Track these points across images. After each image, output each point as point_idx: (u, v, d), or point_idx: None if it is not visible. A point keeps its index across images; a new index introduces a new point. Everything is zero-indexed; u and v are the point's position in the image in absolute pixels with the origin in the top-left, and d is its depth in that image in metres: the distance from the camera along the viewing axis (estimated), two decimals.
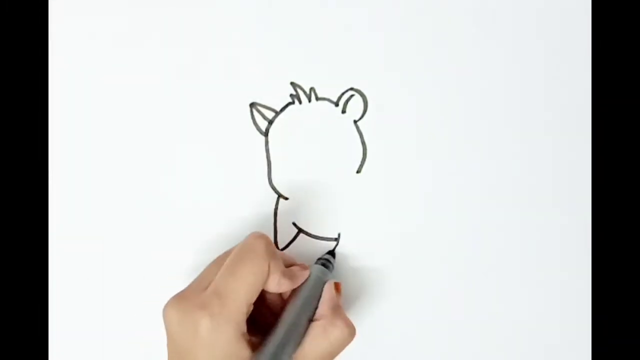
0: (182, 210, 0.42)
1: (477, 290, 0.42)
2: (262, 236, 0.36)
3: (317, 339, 0.36)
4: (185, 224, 0.42)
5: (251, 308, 0.35)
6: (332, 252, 0.41)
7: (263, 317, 0.37)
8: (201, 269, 0.39)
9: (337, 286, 0.38)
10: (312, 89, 0.41)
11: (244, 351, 0.34)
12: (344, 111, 0.41)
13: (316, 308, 0.37)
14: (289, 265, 0.38)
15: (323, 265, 0.39)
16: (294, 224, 0.42)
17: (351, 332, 0.36)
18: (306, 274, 0.38)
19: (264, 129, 0.41)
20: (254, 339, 0.35)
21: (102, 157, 0.42)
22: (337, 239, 0.42)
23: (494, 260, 0.42)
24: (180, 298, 0.35)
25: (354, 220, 0.42)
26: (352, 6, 0.41)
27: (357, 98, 0.41)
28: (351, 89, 0.41)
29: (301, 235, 0.42)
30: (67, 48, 0.41)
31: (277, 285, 0.36)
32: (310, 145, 0.41)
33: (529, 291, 0.42)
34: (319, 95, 0.41)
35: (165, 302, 0.35)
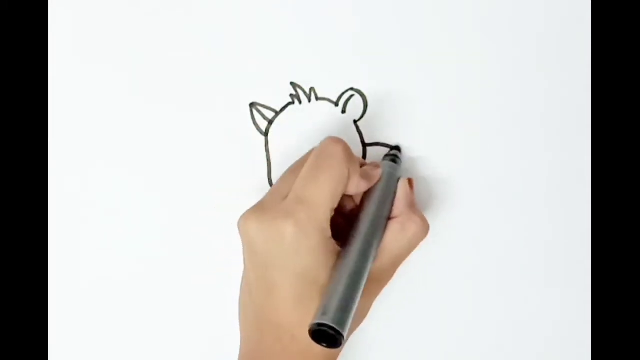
0: (182, 211, 0.42)
1: (477, 290, 0.42)
2: (339, 141, 0.36)
3: (396, 234, 0.36)
4: (185, 224, 0.42)
5: (332, 213, 0.35)
6: (397, 147, 0.41)
7: (335, 220, 0.36)
8: (201, 269, 0.39)
9: (410, 182, 0.38)
10: (312, 89, 0.41)
11: (332, 255, 0.34)
12: (344, 111, 0.41)
13: (392, 205, 0.37)
14: (360, 165, 0.38)
15: (392, 161, 0.39)
16: None
17: (426, 227, 0.37)
18: (379, 172, 0.38)
19: (264, 129, 0.41)
20: (336, 242, 0.35)
21: (102, 157, 0.41)
22: None
23: (493, 260, 0.42)
24: (259, 209, 0.35)
25: None
26: (352, 6, 0.41)
27: (357, 98, 0.41)
28: (351, 89, 0.41)
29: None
30: (67, 48, 0.41)
31: (356, 187, 0.36)
32: (310, 145, 0.41)
33: (529, 291, 0.42)
34: (319, 95, 0.41)
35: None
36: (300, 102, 0.41)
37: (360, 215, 0.36)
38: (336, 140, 0.36)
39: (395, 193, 0.38)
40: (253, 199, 0.41)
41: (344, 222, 0.38)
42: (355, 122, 0.42)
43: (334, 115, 0.41)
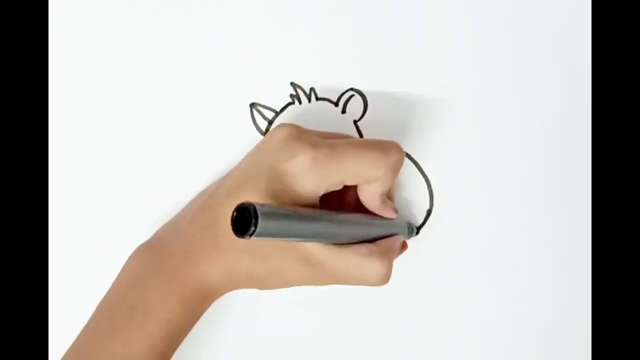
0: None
1: (477, 290, 0.42)
2: (401, 151, 0.36)
3: (358, 253, 0.35)
4: None
5: (339, 187, 0.35)
6: (418, 228, 0.42)
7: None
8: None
9: (404, 244, 0.39)
10: (312, 89, 0.41)
11: (301, 190, 0.34)
12: (344, 111, 0.41)
13: (378, 238, 0.37)
14: (389, 197, 0.38)
15: (408, 227, 0.40)
16: None
17: (386, 276, 0.35)
18: (395, 215, 0.38)
19: (264, 129, 0.41)
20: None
21: (102, 157, 0.41)
22: None
23: (494, 260, 0.42)
24: (298, 127, 0.35)
25: None
26: (352, 6, 0.41)
27: (357, 98, 0.41)
28: (351, 89, 0.41)
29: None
30: (67, 48, 0.41)
31: (371, 197, 0.36)
32: None
33: (529, 291, 0.42)
34: (319, 95, 0.41)
35: None
36: (300, 102, 0.41)
37: (354, 213, 0.37)
38: (399, 149, 0.36)
39: (387, 236, 0.38)
40: None
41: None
42: (355, 122, 0.42)
43: (334, 115, 0.41)
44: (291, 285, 0.36)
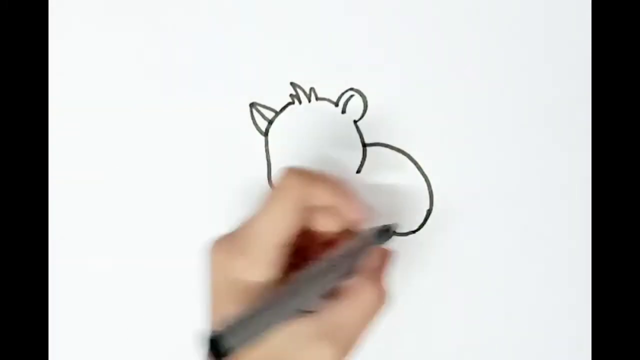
0: (182, 211, 0.42)
1: (477, 289, 0.42)
2: (293, 172, 0.34)
3: (346, 297, 0.33)
4: (185, 225, 0.42)
5: (285, 250, 0.34)
6: (388, 228, 0.38)
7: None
8: (201, 270, 0.39)
9: (385, 254, 0.36)
10: (312, 89, 0.41)
11: (265, 289, 0.33)
12: (344, 111, 0.41)
13: (355, 263, 0.34)
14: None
15: (381, 233, 0.36)
16: None
17: (381, 296, 0.33)
18: (365, 210, 0.35)
19: (264, 129, 0.41)
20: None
21: (101, 157, 0.42)
22: None
23: (493, 260, 0.42)
24: (219, 239, 0.35)
25: None
26: (352, 6, 0.41)
27: (357, 98, 0.41)
28: (351, 89, 0.41)
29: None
30: (67, 47, 0.41)
31: (330, 194, 0.34)
32: (310, 145, 0.41)
33: (529, 291, 0.42)
34: (319, 95, 0.41)
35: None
36: (300, 102, 0.41)
37: (312, 264, 0.34)
38: (290, 172, 0.34)
39: (365, 254, 0.35)
40: (253, 198, 0.41)
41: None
42: (355, 122, 0.42)
43: (334, 115, 0.41)
44: None
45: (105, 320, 0.42)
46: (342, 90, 0.41)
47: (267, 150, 0.41)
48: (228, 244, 0.34)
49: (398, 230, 0.42)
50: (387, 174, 0.42)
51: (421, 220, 0.42)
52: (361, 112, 0.41)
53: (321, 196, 0.34)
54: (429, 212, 0.42)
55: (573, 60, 0.41)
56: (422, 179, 0.42)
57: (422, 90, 0.41)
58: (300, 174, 0.34)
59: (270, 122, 0.41)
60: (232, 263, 0.33)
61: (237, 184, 0.42)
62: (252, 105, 0.41)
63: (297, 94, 0.41)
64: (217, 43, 0.41)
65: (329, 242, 0.36)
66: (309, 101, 0.41)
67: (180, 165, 0.41)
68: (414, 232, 0.42)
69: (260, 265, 0.33)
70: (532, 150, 0.41)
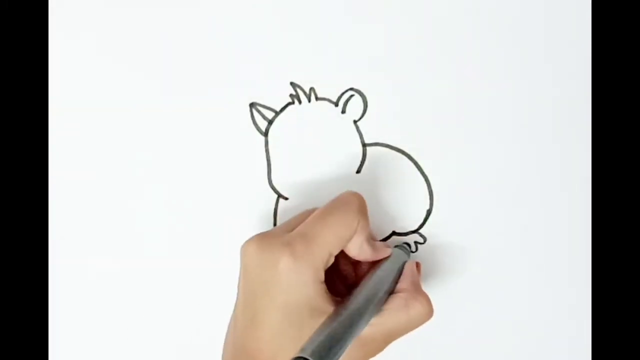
0: (182, 211, 0.42)
1: (477, 289, 0.42)
2: (357, 194, 0.37)
3: (397, 310, 0.35)
4: (185, 225, 0.42)
5: (332, 260, 0.35)
6: (408, 243, 0.41)
7: (333, 284, 0.36)
8: (201, 269, 0.39)
9: (418, 265, 0.39)
10: (312, 89, 0.41)
11: (320, 298, 0.34)
12: (343, 111, 0.41)
13: (396, 283, 0.37)
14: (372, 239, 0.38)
15: (402, 250, 0.40)
16: None
17: (430, 310, 0.35)
18: (389, 251, 0.38)
19: (263, 129, 0.41)
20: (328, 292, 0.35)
21: (101, 157, 0.41)
22: None
23: (494, 260, 0.42)
24: (263, 235, 0.35)
25: None
26: (352, 6, 0.41)
27: (357, 98, 0.41)
28: (351, 89, 0.41)
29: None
30: (67, 47, 0.41)
31: (359, 249, 0.36)
32: (310, 145, 0.41)
33: (529, 291, 0.42)
34: (319, 95, 0.41)
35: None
36: (300, 102, 0.41)
37: (362, 283, 0.36)
38: (355, 193, 0.37)
39: (400, 272, 0.38)
40: (253, 198, 0.41)
41: (340, 285, 0.38)
42: (355, 122, 0.42)
43: (333, 115, 0.41)
44: None
45: (105, 320, 0.42)
46: (342, 90, 0.41)
47: (267, 150, 0.41)
48: (274, 243, 0.34)
49: (398, 230, 0.42)
50: (387, 174, 0.42)
51: (421, 220, 0.42)
52: (361, 112, 0.41)
53: (353, 247, 0.36)
54: (429, 212, 0.42)
55: (573, 60, 0.41)
56: (422, 179, 0.42)
57: (422, 90, 0.41)
58: (362, 198, 0.37)
59: (270, 122, 0.41)
60: (280, 263, 0.33)
61: (236, 184, 0.42)
62: (252, 105, 0.41)
63: (297, 94, 0.41)
64: (217, 43, 0.41)
65: (360, 265, 0.38)
66: (309, 101, 0.41)
67: (180, 166, 0.41)
68: (414, 232, 0.42)
69: (311, 269, 0.34)
70: (532, 150, 0.41)
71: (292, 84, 0.41)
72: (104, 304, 0.42)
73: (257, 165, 0.42)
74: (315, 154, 0.41)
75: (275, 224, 0.42)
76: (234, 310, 0.36)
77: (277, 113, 0.41)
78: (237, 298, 0.36)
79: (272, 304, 0.33)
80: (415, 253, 0.42)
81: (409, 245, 0.41)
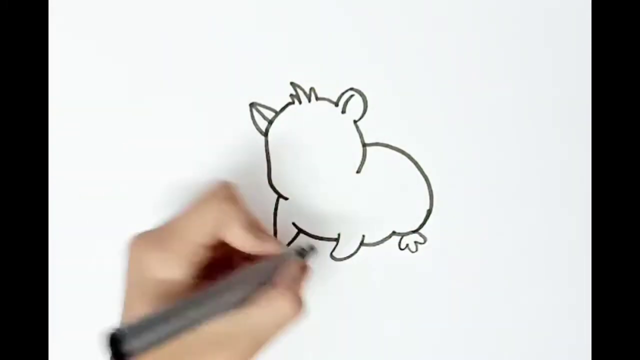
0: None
1: (477, 289, 0.42)
2: (226, 183, 0.36)
3: (259, 305, 0.33)
4: None
5: (204, 251, 0.35)
6: (308, 248, 0.39)
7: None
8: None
9: (304, 268, 0.37)
10: (312, 89, 0.41)
11: (189, 290, 0.34)
12: (343, 111, 0.41)
13: (271, 278, 0.35)
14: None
15: (298, 252, 0.38)
16: (294, 224, 0.42)
17: (297, 308, 0.34)
18: (276, 246, 0.36)
19: (264, 129, 0.41)
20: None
21: (101, 157, 0.42)
22: (337, 239, 0.42)
23: (494, 260, 0.42)
24: (144, 231, 0.36)
25: (354, 221, 0.42)
26: (352, 6, 0.41)
27: (357, 98, 0.41)
28: (351, 89, 0.41)
29: (301, 235, 0.42)
30: (67, 47, 0.41)
31: (241, 238, 0.35)
32: (310, 145, 0.42)
33: (529, 291, 0.42)
34: (319, 95, 0.41)
35: None
36: (300, 102, 0.41)
37: (233, 272, 0.34)
38: (223, 182, 0.36)
39: (283, 266, 0.36)
40: (253, 198, 0.41)
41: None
42: (355, 122, 0.42)
43: (333, 115, 0.41)
44: None
45: (105, 320, 0.42)
46: (342, 90, 0.41)
47: (267, 150, 0.42)
48: (148, 240, 0.35)
49: (398, 231, 0.42)
50: (387, 174, 0.42)
51: (421, 220, 0.42)
52: (361, 112, 0.41)
53: (232, 236, 0.35)
54: (429, 212, 0.42)
55: (573, 60, 0.41)
56: (422, 179, 0.42)
57: (422, 90, 0.41)
58: (230, 186, 0.36)
59: (270, 122, 0.41)
60: (150, 258, 0.34)
61: (237, 184, 0.41)
62: (252, 105, 0.41)
63: (297, 94, 0.41)
64: (217, 43, 0.41)
65: (250, 256, 0.36)
66: (309, 101, 0.41)
67: (181, 165, 0.41)
68: (414, 232, 0.42)
69: (178, 262, 0.34)
70: (532, 150, 0.42)
71: (292, 84, 0.41)
72: (104, 304, 0.42)
73: (257, 165, 0.42)
74: (315, 154, 0.42)
75: (275, 224, 0.42)
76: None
77: (277, 113, 0.41)
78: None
79: (144, 296, 0.34)
80: (415, 253, 0.42)
81: (306, 249, 0.38)
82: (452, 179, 0.42)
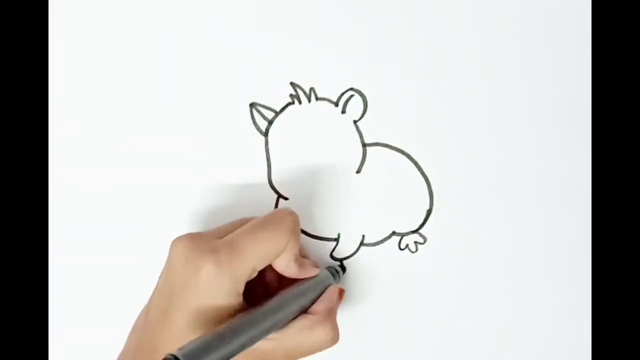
0: (183, 211, 0.42)
1: (477, 289, 0.42)
2: (293, 213, 0.37)
3: (300, 330, 0.35)
4: (186, 224, 0.42)
5: (254, 275, 0.35)
6: (342, 265, 0.42)
7: (255, 295, 0.37)
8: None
9: (341, 292, 0.39)
10: (312, 89, 0.41)
11: (233, 309, 0.34)
12: (343, 111, 0.41)
13: (313, 303, 0.37)
14: (303, 256, 0.39)
15: (331, 273, 0.40)
16: None
17: (335, 338, 0.36)
18: (316, 271, 0.38)
19: (264, 129, 0.41)
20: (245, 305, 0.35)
21: (101, 157, 0.42)
22: (337, 239, 0.42)
23: (494, 260, 0.42)
24: (194, 236, 0.35)
25: (354, 221, 0.42)
26: (352, 6, 0.41)
27: (357, 98, 0.41)
28: (351, 89, 0.41)
29: (301, 235, 0.42)
30: (67, 47, 0.41)
31: (286, 266, 0.36)
32: (310, 145, 0.41)
33: (528, 291, 0.42)
34: (319, 95, 0.41)
35: None
36: (300, 102, 0.41)
37: (276, 296, 0.36)
38: (291, 212, 0.37)
39: (320, 295, 0.37)
40: (253, 198, 0.41)
41: (262, 294, 0.37)
42: (355, 122, 0.42)
43: (333, 115, 0.41)
44: None
45: (105, 320, 0.42)
46: (342, 90, 0.41)
47: (267, 150, 0.41)
48: (204, 247, 0.34)
49: (398, 230, 0.42)
50: (387, 174, 0.42)
51: (421, 220, 0.42)
52: (361, 112, 0.41)
53: (280, 264, 0.36)
54: (429, 212, 0.42)
55: (573, 60, 0.41)
56: (422, 179, 0.42)
57: (422, 90, 0.41)
58: (296, 217, 0.37)
59: (270, 122, 0.41)
60: (205, 270, 0.34)
61: (237, 184, 0.42)
62: (252, 105, 0.41)
63: (297, 94, 0.41)
64: (217, 43, 0.41)
65: (286, 279, 0.38)
66: (309, 101, 0.41)
67: (181, 165, 0.41)
68: (414, 232, 0.42)
69: (235, 283, 0.34)
70: (532, 150, 0.41)
71: (292, 84, 0.41)
72: (104, 304, 0.42)
73: (257, 165, 0.42)
74: (315, 154, 0.41)
75: None
76: (151, 298, 0.36)
77: (277, 113, 0.41)
78: (156, 288, 0.36)
79: (186, 305, 0.34)
80: (415, 253, 0.42)
81: (338, 270, 0.41)
82: (452, 179, 0.42)
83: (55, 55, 0.41)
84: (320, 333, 0.35)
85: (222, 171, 0.41)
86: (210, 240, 0.35)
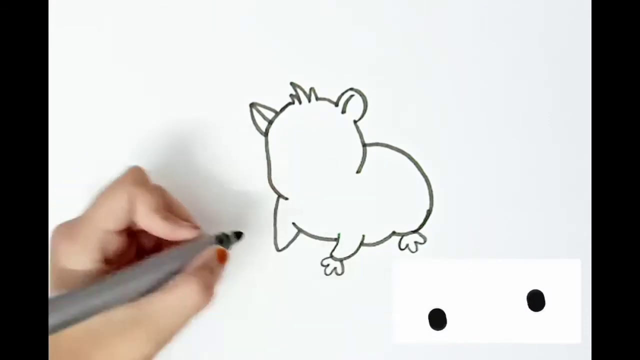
0: None
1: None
2: (134, 167, 0.36)
3: (165, 290, 0.33)
4: None
5: (111, 237, 0.34)
6: (238, 232, 0.38)
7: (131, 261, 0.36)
8: None
9: (220, 253, 0.36)
10: (312, 89, 0.41)
11: (95, 277, 0.34)
12: (343, 111, 0.41)
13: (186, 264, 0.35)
14: (184, 219, 0.36)
15: (219, 239, 0.37)
16: (294, 224, 0.42)
17: (204, 298, 0.33)
18: (193, 232, 0.35)
19: (264, 129, 0.41)
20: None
21: (101, 157, 0.42)
22: (336, 239, 0.42)
23: (493, 260, 0.42)
24: (61, 223, 0.36)
25: (354, 221, 0.42)
26: (352, 6, 0.41)
27: (357, 98, 0.41)
28: (351, 89, 0.41)
29: (301, 235, 0.42)
30: (67, 46, 0.41)
31: (147, 219, 0.34)
32: (310, 145, 0.42)
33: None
34: (319, 95, 0.41)
35: None
36: (300, 102, 0.41)
37: (147, 258, 0.34)
38: (132, 167, 0.36)
39: (199, 253, 0.35)
40: (253, 198, 0.41)
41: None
42: (355, 122, 0.42)
43: (333, 115, 0.41)
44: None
45: None
46: (342, 90, 0.41)
47: (267, 150, 0.42)
48: (62, 231, 0.35)
49: (398, 231, 0.42)
50: (387, 174, 0.42)
51: (421, 220, 0.42)
52: (361, 112, 0.41)
53: (141, 218, 0.35)
54: (429, 212, 0.42)
55: (573, 60, 0.41)
56: (422, 179, 0.42)
57: (422, 91, 0.41)
58: (138, 170, 0.36)
59: (270, 122, 0.41)
60: (59, 249, 0.34)
61: (237, 184, 0.42)
62: (252, 105, 0.41)
63: (297, 94, 0.41)
64: (217, 43, 0.41)
65: (174, 243, 0.36)
66: (309, 101, 0.41)
67: (181, 165, 0.41)
68: (414, 232, 0.42)
69: (84, 252, 0.34)
70: (532, 150, 0.42)
71: (292, 84, 0.41)
72: None
73: (257, 165, 0.42)
74: (315, 154, 0.42)
75: (275, 224, 0.42)
76: None
77: (277, 113, 0.41)
78: None
79: (51, 269, 0.35)
80: (415, 253, 0.42)
81: (229, 235, 0.37)
82: (452, 179, 0.42)
83: (55, 55, 0.41)
84: (184, 289, 0.32)
85: (222, 171, 0.41)
86: (67, 222, 0.36)
